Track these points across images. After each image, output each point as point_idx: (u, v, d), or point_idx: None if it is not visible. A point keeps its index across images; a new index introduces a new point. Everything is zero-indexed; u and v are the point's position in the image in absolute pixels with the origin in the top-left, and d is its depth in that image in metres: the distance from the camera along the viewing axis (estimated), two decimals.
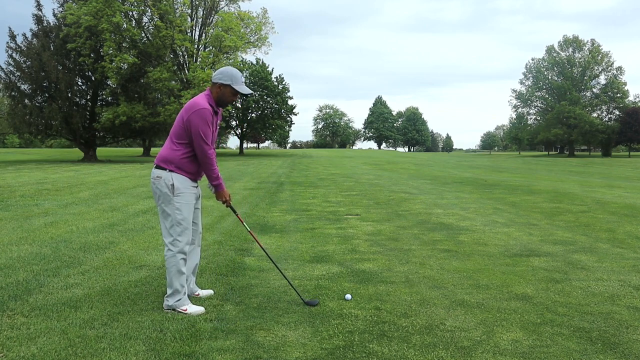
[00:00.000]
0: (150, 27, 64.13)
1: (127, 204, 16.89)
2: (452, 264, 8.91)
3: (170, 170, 6.48)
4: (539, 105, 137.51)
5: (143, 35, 62.69)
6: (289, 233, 11.93)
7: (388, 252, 9.88)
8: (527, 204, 17.74)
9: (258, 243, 7.36)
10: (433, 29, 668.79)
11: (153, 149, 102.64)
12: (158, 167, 6.55)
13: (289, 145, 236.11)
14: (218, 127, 6.80)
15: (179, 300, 6.41)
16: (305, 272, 8.27)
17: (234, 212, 7.07)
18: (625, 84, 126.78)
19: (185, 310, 6.35)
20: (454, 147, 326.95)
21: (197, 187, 6.78)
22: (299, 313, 6.32)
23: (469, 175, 37.18)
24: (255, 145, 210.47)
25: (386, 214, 15.26)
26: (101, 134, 62.29)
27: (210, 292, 7.13)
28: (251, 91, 6.86)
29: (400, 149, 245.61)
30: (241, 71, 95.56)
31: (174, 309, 6.37)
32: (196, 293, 7.05)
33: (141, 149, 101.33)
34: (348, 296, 6.91)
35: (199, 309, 6.37)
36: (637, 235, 11.82)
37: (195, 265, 7.05)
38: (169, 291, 6.48)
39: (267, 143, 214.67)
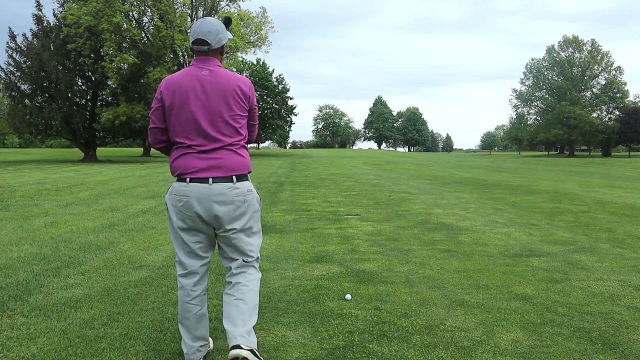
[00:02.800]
0: (150, 27, 64.15)
1: (127, 204, 16.89)
2: (452, 264, 8.91)
3: (247, 175, 4.99)
4: (539, 105, 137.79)
5: (143, 35, 62.69)
6: (289, 233, 11.92)
7: (388, 252, 9.88)
8: (527, 204, 17.74)
9: None
10: (433, 29, 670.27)
11: (153, 150, 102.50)
12: (242, 177, 4.85)
13: (289, 145, 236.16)
14: None
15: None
16: (305, 272, 8.27)
17: None
18: (625, 83, 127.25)
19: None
20: (454, 147, 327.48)
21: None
22: (299, 313, 6.32)
23: (469, 175, 37.17)
24: (255, 145, 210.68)
25: (386, 214, 15.26)
26: (101, 134, 62.28)
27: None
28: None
29: (400, 149, 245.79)
30: (241, 72, 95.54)
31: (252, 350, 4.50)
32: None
33: (141, 149, 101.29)
34: (348, 296, 6.91)
35: None
36: (637, 235, 11.82)
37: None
38: (252, 325, 4.75)
39: (267, 143, 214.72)
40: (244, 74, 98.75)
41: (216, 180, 4.65)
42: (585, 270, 8.49)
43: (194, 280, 4.92)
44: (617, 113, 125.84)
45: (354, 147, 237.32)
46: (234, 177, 4.71)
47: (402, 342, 5.44)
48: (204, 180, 4.63)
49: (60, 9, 59.79)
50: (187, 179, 4.66)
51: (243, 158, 4.83)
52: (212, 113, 4.68)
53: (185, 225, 4.77)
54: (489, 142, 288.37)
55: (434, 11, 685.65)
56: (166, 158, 75.64)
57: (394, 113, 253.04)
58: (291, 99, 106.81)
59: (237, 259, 4.89)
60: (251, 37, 74.64)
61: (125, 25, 59.12)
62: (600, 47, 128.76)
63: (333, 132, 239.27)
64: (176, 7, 64.89)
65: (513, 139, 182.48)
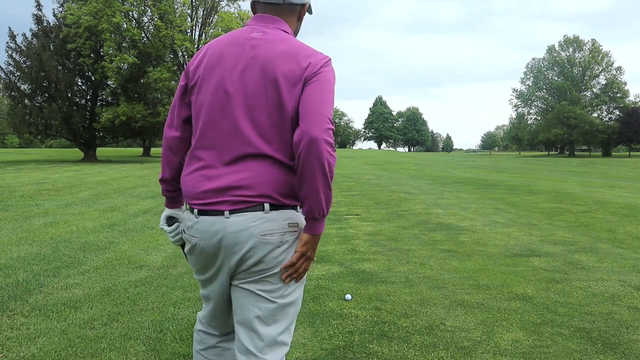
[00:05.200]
0: (150, 27, 64.09)
1: (127, 204, 16.88)
2: (452, 264, 8.91)
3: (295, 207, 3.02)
4: (539, 105, 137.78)
5: (143, 35, 62.61)
6: None
7: (388, 252, 9.88)
8: (528, 204, 17.74)
9: None
10: (431, 30, 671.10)
11: (153, 149, 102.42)
12: (285, 206, 2.94)
13: None
14: None
15: None
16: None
17: None
18: (625, 83, 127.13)
19: None
20: (454, 147, 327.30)
21: None
22: (299, 313, 6.31)
23: (469, 175, 37.15)
24: None
25: (386, 214, 15.26)
26: (101, 134, 62.21)
27: None
28: None
29: (400, 149, 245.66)
30: None
31: None
32: None
33: (141, 149, 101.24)
34: (348, 296, 6.91)
35: None
36: (638, 235, 11.83)
37: None
38: None
39: None
40: None
41: (236, 211, 2.86)
42: (586, 270, 8.50)
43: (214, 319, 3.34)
44: (617, 113, 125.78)
45: (353, 147, 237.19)
46: (267, 205, 2.87)
47: (402, 342, 5.44)
48: (218, 213, 2.89)
49: (60, 9, 59.71)
50: (195, 210, 2.97)
51: (287, 176, 2.93)
52: (248, 96, 2.91)
53: (201, 277, 3.17)
54: (489, 142, 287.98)
55: (431, 12, 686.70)
56: None
57: (394, 113, 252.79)
58: None
59: (251, 341, 3.01)
60: None
61: (125, 25, 59.04)
62: (600, 47, 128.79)
63: (333, 132, 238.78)
64: (176, 7, 64.77)
65: (513, 139, 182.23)
